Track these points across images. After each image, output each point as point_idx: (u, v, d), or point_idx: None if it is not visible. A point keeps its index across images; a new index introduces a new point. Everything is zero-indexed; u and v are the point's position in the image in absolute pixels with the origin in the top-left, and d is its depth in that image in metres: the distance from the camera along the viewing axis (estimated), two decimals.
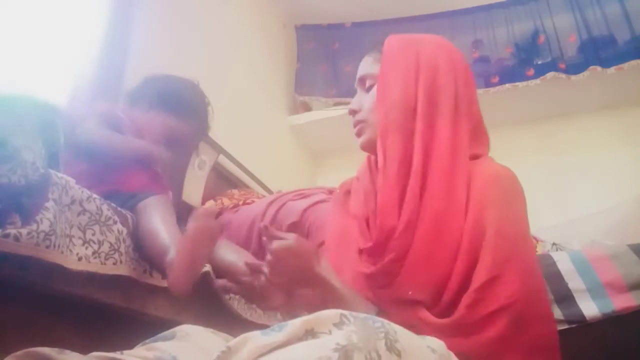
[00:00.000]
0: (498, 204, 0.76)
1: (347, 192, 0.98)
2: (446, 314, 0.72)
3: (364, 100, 0.91)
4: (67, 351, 0.53)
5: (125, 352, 0.58)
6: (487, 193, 0.76)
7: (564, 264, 1.34)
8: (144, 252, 0.95)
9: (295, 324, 0.48)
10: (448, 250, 0.74)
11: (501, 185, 0.78)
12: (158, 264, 0.91)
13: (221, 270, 1.04)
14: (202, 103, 1.31)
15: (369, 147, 0.90)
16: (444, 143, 0.80)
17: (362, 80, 0.93)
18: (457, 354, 0.59)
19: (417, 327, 0.68)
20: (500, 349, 0.67)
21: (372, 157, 0.94)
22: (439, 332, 0.67)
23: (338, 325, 0.47)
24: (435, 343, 0.54)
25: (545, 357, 0.69)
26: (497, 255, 0.71)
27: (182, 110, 1.25)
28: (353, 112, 0.92)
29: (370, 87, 0.91)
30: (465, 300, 0.70)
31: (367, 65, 0.93)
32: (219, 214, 0.90)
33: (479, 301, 0.69)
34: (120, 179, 1.09)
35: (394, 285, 0.77)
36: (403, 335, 0.49)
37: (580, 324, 1.24)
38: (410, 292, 0.75)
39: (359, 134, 0.91)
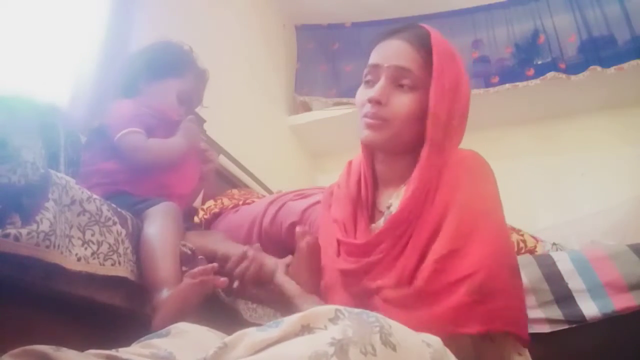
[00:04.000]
0: (463, 183, 0.76)
1: (331, 194, 0.97)
2: (407, 287, 0.73)
3: (395, 98, 0.81)
4: (64, 349, 0.53)
5: (120, 349, 0.58)
6: (454, 176, 0.77)
7: (564, 264, 1.34)
8: (140, 267, 0.96)
9: (291, 320, 0.48)
10: (418, 238, 0.75)
11: (467, 166, 0.79)
12: (149, 292, 0.92)
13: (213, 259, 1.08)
14: (185, 52, 1.29)
15: (380, 145, 0.84)
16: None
17: (398, 72, 0.81)
18: (418, 328, 0.60)
19: (380, 309, 0.71)
20: (459, 318, 0.68)
21: (354, 163, 0.94)
22: (400, 305, 0.70)
23: (333, 320, 0.48)
24: (431, 338, 0.54)
25: (505, 327, 0.69)
26: (459, 229, 0.72)
27: (177, 66, 1.25)
28: (376, 103, 0.80)
29: (409, 88, 0.81)
30: (424, 271, 0.71)
31: (405, 56, 0.81)
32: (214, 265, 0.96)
33: (438, 272, 0.70)
34: (132, 180, 1.12)
35: (366, 279, 0.78)
36: (398, 330, 0.49)
37: (580, 324, 1.24)
38: (379, 282, 0.76)
39: (373, 128, 0.81)
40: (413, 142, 0.82)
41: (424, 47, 0.82)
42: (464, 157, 0.81)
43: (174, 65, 1.24)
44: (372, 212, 0.88)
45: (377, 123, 0.81)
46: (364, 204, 0.88)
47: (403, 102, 0.80)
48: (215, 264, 0.98)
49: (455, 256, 0.70)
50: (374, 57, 0.85)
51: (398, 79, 0.81)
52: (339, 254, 0.85)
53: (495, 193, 0.79)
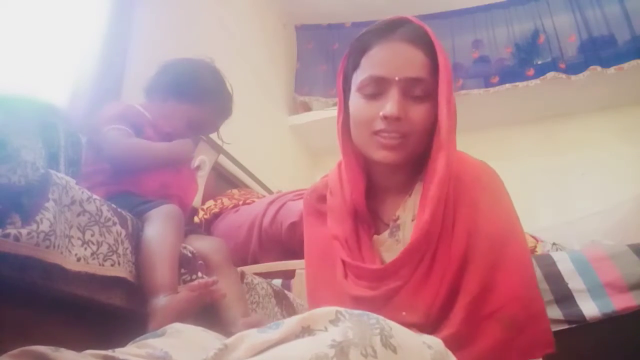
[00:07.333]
0: (483, 205, 0.73)
1: (320, 198, 0.90)
2: (435, 325, 0.70)
3: (411, 111, 0.73)
4: (63, 349, 0.53)
5: (117, 350, 0.58)
6: (472, 196, 0.74)
7: (564, 264, 1.34)
8: (139, 268, 0.95)
9: (291, 322, 0.48)
10: (442, 267, 0.72)
11: (484, 184, 0.76)
12: (146, 294, 0.92)
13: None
14: (218, 83, 1.27)
15: (399, 163, 0.76)
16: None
17: (411, 83, 0.73)
18: None
19: None
20: (497, 355, 0.67)
21: (344, 167, 0.86)
22: None
23: (334, 322, 0.47)
24: (432, 340, 0.54)
25: (542, 352, 0.68)
26: (486, 261, 0.70)
27: (199, 95, 1.22)
28: (396, 120, 0.72)
29: (422, 98, 0.73)
30: (457, 315, 0.68)
31: (417, 64, 0.73)
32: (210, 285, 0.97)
33: (472, 312, 0.68)
34: (134, 180, 1.11)
35: (386, 308, 0.72)
36: (398, 331, 0.49)
37: (580, 324, 1.24)
38: (403, 314, 0.71)
39: (393, 148, 0.74)
40: (419, 151, 0.77)
41: (426, 45, 0.74)
42: (478, 171, 0.77)
43: (196, 92, 1.22)
44: (376, 223, 0.83)
45: (396, 142, 0.73)
46: (363, 216, 0.81)
47: (420, 114, 0.73)
48: (215, 278, 0.98)
49: (484, 290, 0.68)
50: (379, 69, 0.74)
51: (411, 91, 0.73)
52: (346, 276, 0.79)
53: (513, 209, 0.76)
